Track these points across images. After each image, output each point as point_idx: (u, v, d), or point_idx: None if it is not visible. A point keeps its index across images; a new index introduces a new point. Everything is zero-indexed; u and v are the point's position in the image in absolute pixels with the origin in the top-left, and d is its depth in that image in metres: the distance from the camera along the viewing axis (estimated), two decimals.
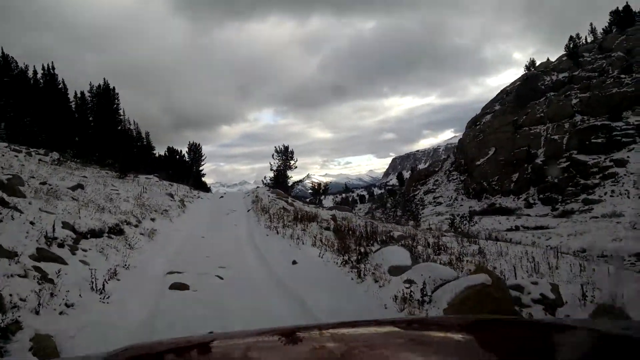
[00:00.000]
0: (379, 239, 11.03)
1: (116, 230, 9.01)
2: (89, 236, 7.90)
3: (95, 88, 37.41)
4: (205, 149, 44.16)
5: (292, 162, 32.81)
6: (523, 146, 58.34)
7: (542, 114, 60.30)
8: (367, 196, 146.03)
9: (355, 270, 6.26)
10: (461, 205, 61.49)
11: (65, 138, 30.71)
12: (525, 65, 78.49)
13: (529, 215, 46.60)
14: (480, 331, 1.53)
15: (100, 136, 32.87)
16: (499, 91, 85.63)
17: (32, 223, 6.93)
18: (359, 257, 6.93)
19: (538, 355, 1.14)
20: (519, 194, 55.17)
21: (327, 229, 11.97)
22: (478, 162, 65.53)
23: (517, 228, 39.52)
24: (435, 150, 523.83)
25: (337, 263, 7.10)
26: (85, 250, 7.12)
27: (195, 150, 43.33)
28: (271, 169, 33.13)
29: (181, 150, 45.48)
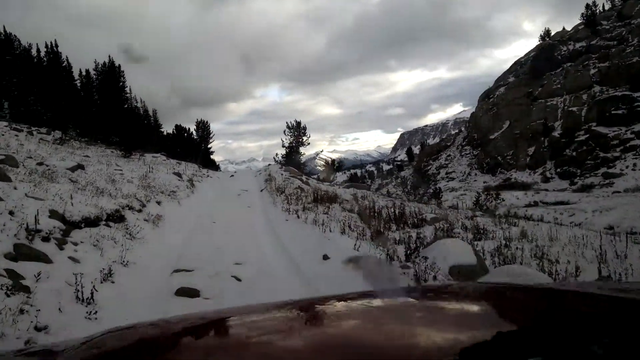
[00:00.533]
0: (409, 222, 9.90)
1: (116, 217, 7.89)
2: (82, 225, 6.79)
3: (100, 66, 36.45)
4: (213, 127, 43.16)
5: (304, 138, 31.57)
6: (539, 119, 56.67)
7: (558, 85, 58.46)
8: (376, 172, 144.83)
9: (412, 273, 5.02)
10: (475, 181, 60.27)
11: (70, 117, 30.06)
12: (540, 35, 76.20)
13: (547, 190, 45.20)
14: (496, 298, 1.49)
15: (105, 114, 31.86)
16: (513, 62, 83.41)
17: (11, 213, 5.82)
18: (408, 252, 5.77)
19: (555, 319, 1.14)
20: (535, 168, 53.76)
21: (351, 211, 10.82)
22: (492, 136, 63.98)
23: (536, 204, 38.19)
24: (444, 124, 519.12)
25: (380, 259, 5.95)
26: (76, 244, 6.01)
27: (203, 127, 42.27)
28: (283, 146, 32.00)
29: (189, 128, 44.45)
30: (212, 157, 47.43)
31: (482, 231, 9.27)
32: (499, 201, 20.94)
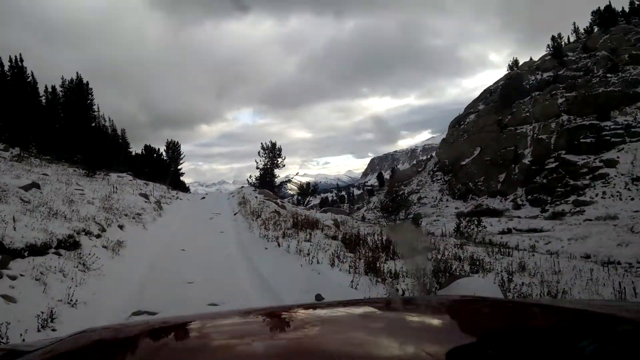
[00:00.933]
0: (398, 251, 9.07)
1: (69, 244, 6.80)
2: (26, 254, 5.70)
3: (67, 82, 35.07)
4: (184, 148, 42.00)
5: (279, 159, 30.39)
6: (509, 146, 57.30)
7: (527, 114, 59.45)
8: (346, 196, 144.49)
9: None
10: (447, 206, 60.23)
11: (32, 133, 29.01)
12: (508, 65, 78.25)
13: (519, 217, 45.20)
14: (459, 310, 1.50)
15: (70, 132, 30.38)
16: (482, 90, 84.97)
17: None
18: (423, 294, 4.90)
19: (517, 330, 1.14)
20: (506, 194, 54.01)
21: (334, 238, 9.90)
22: (463, 163, 64.38)
23: (509, 230, 37.95)
24: (413, 150, 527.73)
25: None
26: (14, 278, 4.92)
27: (173, 148, 41.00)
28: (257, 167, 30.74)
29: (159, 149, 43.04)
30: (182, 178, 46.08)
31: (477, 263, 8.49)
32: (480, 228, 20.34)
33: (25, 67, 32.99)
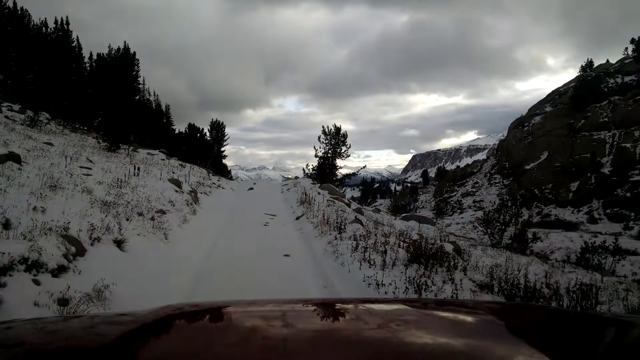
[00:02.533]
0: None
1: None
2: None
3: (114, 51, 32.24)
4: (228, 131, 38.48)
5: (343, 148, 25.80)
6: (583, 152, 51.45)
7: (606, 119, 53.29)
8: (386, 192, 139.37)
9: None
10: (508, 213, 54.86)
11: (67, 99, 27.42)
12: (581, 66, 72.04)
13: (599, 232, 39.59)
14: (497, 313, 1.45)
15: (109, 100, 27.31)
16: (550, 92, 78.68)
17: None
18: None
19: (557, 339, 1.10)
20: (579, 206, 48.18)
21: (489, 288, 5.49)
22: (527, 167, 58.66)
23: (594, 249, 32.66)
24: (456, 150, 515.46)
25: None
26: None
27: (218, 128, 37.58)
28: (316, 155, 26.59)
29: (203, 129, 39.85)
30: (224, 161, 42.87)
31: None
32: (616, 257, 15.21)
33: (71, 31, 31.18)
